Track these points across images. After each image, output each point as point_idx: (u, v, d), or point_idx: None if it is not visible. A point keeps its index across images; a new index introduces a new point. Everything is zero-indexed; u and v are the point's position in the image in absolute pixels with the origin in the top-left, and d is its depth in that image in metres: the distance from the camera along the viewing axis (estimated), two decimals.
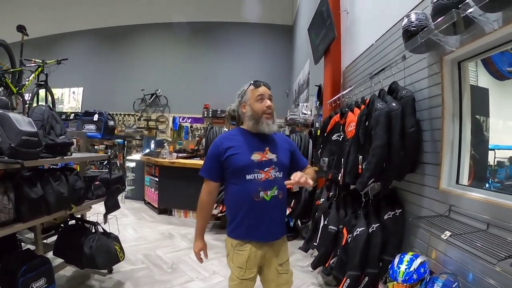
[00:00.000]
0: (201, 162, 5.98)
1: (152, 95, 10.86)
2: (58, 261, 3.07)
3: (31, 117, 2.59)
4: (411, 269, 1.94)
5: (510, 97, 2.33)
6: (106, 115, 3.82)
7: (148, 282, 3.31)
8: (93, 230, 3.13)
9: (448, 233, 1.65)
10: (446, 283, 1.71)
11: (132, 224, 5.35)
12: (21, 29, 4.75)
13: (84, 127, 3.76)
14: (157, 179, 6.21)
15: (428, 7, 2.12)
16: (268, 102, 1.89)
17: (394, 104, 2.37)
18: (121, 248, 3.18)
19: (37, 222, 2.53)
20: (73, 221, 3.25)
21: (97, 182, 3.25)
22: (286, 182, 1.77)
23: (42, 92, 4.78)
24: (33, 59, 4.74)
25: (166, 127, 10.97)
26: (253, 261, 1.86)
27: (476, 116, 2.24)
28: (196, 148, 9.36)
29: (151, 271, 3.58)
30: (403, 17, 2.26)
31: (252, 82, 1.97)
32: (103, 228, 3.20)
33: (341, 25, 4.50)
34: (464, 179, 2.15)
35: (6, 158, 2.11)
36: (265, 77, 10.42)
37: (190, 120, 10.90)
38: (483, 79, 2.24)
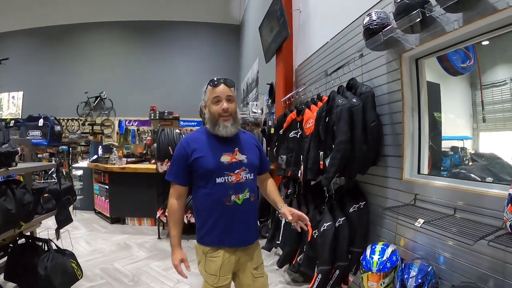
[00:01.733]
0: (153, 166, 5.84)
1: (97, 98, 10.33)
2: (11, 285, 2.82)
3: None
4: (384, 258, 2.01)
5: (452, 92, 2.52)
6: (52, 119, 3.54)
7: None
8: (46, 248, 2.89)
9: (421, 221, 1.74)
10: (421, 267, 1.79)
11: (84, 237, 5.00)
12: None
13: (29, 133, 3.46)
14: (107, 187, 5.88)
15: (386, 7, 2.22)
16: (225, 105, 1.76)
17: (354, 100, 2.44)
18: (78, 265, 2.99)
19: None
20: (23, 240, 2.97)
21: (46, 195, 3.00)
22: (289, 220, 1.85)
23: None
24: None
25: (112, 131, 10.49)
26: (227, 267, 1.79)
27: (430, 109, 2.39)
28: (145, 151, 9.09)
29: (112, 286, 3.36)
30: (363, 16, 2.34)
31: (210, 81, 1.82)
32: (56, 245, 2.97)
33: (293, 23, 4.58)
34: (425, 169, 2.29)
35: None
36: (212, 76, 10.40)
37: (136, 123, 10.53)
38: (431, 75, 2.40)
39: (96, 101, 10.35)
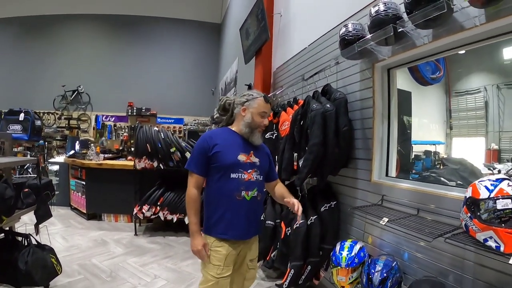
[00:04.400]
0: (130, 163, 5.83)
1: (74, 91, 10.17)
2: None
3: None
4: (352, 254, 2.16)
5: (427, 99, 2.71)
6: (33, 114, 3.53)
7: None
8: (26, 243, 2.89)
9: (386, 219, 1.90)
10: (386, 263, 1.95)
11: (60, 233, 4.96)
12: None
13: (9, 127, 3.45)
14: (84, 183, 5.85)
15: (362, 18, 2.37)
16: (266, 121, 2.01)
17: (328, 105, 2.59)
18: (57, 260, 3.01)
19: None
20: (1, 235, 2.94)
21: (26, 189, 3.00)
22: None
23: None
24: None
25: (89, 126, 10.36)
26: (230, 258, 1.92)
27: (401, 115, 2.56)
28: (121, 148, 9.02)
29: (90, 282, 3.38)
30: (340, 26, 2.49)
31: (264, 95, 2.02)
32: (36, 240, 2.98)
33: (273, 27, 4.70)
34: (393, 171, 2.46)
35: None
36: (191, 74, 10.40)
37: (113, 118, 10.46)
38: (405, 84, 2.58)
39: (73, 95, 10.19)
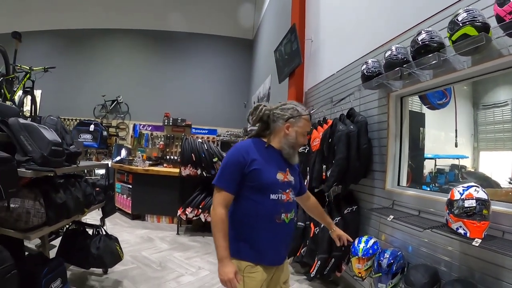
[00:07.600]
0: (171, 169, 6.48)
1: (113, 101, 10.81)
2: None
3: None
4: (368, 246, 2.67)
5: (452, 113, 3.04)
6: (101, 126, 4.19)
7: (144, 279, 3.69)
8: (95, 233, 3.44)
9: (391, 216, 2.43)
10: (392, 252, 2.46)
11: (109, 230, 5.46)
12: (15, 35, 4.91)
13: (80, 136, 4.10)
14: (130, 186, 6.51)
15: (379, 55, 2.95)
16: (306, 140, 1.90)
17: (352, 127, 3.14)
18: (120, 248, 3.52)
19: (60, 225, 2.80)
20: (73, 226, 3.48)
21: (98, 188, 3.58)
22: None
23: None
24: (19, 65, 4.83)
25: (127, 134, 10.99)
26: (265, 284, 1.78)
27: (415, 133, 3.02)
28: (159, 156, 9.70)
29: (143, 270, 3.93)
30: (364, 58, 3.12)
31: (309, 113, 1.89)
32: (105, 230, 3.54)
33: (305, 50, 5.25)
34: (403, 181, 2.97)
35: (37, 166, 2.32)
36: (224, 87, 11.00)
37: (150, 127, 11.01)
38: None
39: (113, 105, 10.83)
